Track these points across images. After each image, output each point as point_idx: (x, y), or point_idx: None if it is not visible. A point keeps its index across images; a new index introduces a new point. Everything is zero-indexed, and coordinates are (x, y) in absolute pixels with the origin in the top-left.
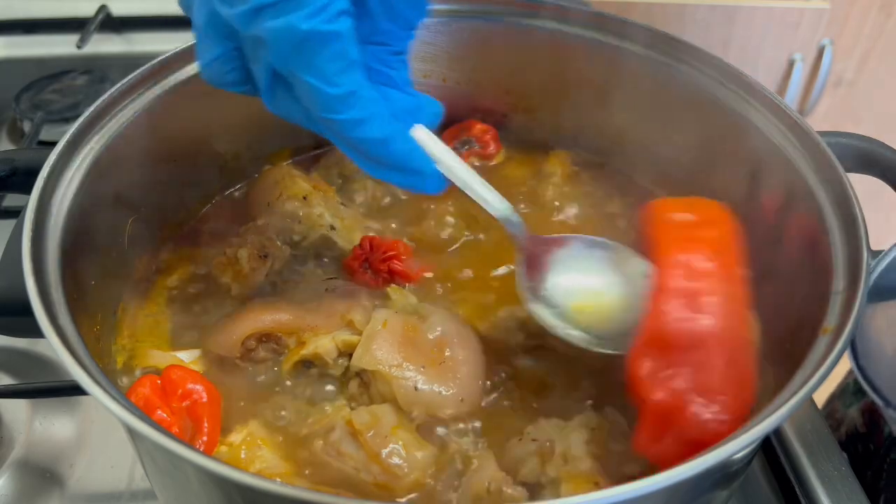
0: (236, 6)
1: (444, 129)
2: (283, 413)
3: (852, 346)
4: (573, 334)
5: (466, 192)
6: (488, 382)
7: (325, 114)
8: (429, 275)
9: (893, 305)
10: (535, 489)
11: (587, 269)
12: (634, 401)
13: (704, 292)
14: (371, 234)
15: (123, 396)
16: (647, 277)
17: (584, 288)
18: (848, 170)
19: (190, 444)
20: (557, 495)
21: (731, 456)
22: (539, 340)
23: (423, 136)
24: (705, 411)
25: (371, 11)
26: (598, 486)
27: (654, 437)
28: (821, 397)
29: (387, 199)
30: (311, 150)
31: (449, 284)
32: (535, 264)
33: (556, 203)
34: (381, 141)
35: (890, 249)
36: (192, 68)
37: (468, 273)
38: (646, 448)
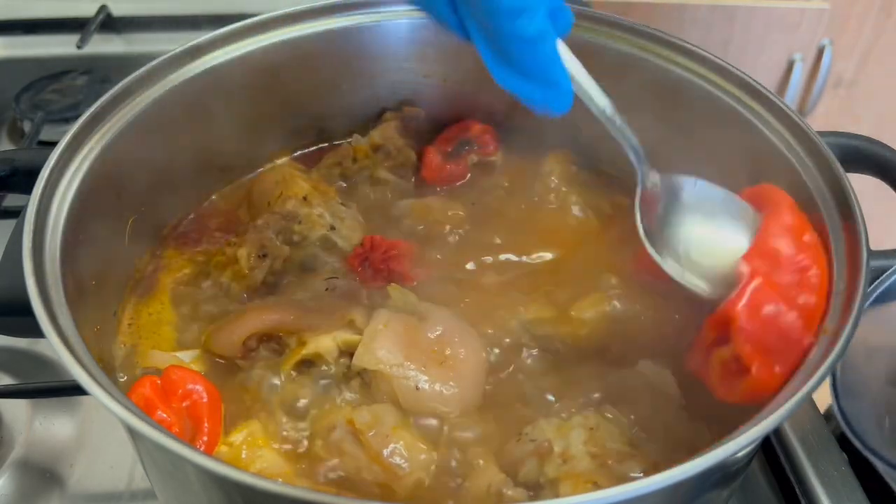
0: None
1: (444, 128)
2: (283, 413)
3: (834, 382)
4: (691, 280)
5: (599, 117)
6: (489, 380)
7: None
8: (430, 274)
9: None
10: (536, 489)
11: (707, 214)
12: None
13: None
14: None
15: (124, 396)
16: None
17: (702, 233)
18: (848, 170)
19: (190, 444)
20: (556, 495)
21: (731, 455)
22: (541, 341)
23: (563, 48)
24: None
25: None
26: (596, 485)
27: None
28: (821, 397)
29: (385, 200)
30: (311, 149)
31: (450, 283)
32: (653, 204)
33: (554, 202)
34: (532, 39)
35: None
36: (191, 68)
37: (470, 272)
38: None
